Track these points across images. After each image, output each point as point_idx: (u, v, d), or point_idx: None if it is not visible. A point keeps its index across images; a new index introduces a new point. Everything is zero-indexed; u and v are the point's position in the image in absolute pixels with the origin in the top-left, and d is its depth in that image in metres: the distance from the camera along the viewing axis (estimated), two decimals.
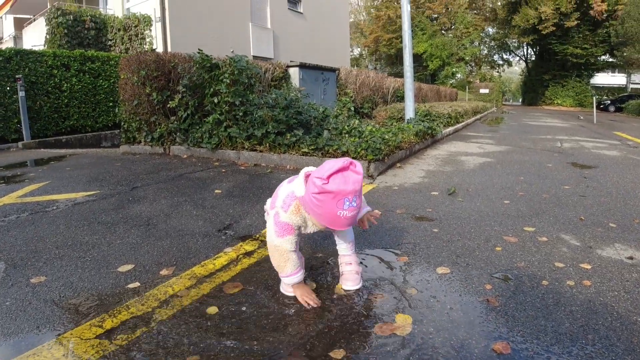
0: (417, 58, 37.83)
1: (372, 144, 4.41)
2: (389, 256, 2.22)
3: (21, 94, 8.40)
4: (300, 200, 1.64)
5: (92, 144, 9.99)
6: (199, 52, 5.62)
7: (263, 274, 2.02)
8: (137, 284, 1.93)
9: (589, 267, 2.08)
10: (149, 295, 1.81)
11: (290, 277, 1.74)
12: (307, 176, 1.62)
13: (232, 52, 16.02)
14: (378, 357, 1.37)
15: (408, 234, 2.57)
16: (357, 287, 1.86)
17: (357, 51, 54.28)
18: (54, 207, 3.32)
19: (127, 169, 4.93)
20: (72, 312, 1.72)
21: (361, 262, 2.10)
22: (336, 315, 1.63)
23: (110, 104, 10.58)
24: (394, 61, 46.27)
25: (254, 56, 17.26)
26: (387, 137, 4.91)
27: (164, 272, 2.05)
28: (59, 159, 6.12)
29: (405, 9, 6.83)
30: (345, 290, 1.84)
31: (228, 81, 5.33)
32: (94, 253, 2.33)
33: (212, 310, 1.68)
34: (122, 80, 6.34)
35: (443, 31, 43.57)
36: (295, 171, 4.26)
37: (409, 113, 7.14)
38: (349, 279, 1.87)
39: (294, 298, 1.76)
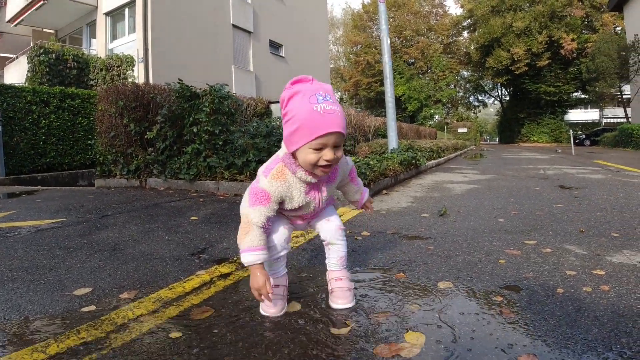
0: (396, 100, 38.71)
1: (357, 169, 4.24)
2: (384, 273, 1.99)
3: None
4: (284, 159, 1.44)
5: (68, 182, 9.63)
6: (179, 82, 5.48)
7: (240, 296, 1.76)
8: (93, 307, 1.65)
9: (602, 272, 1.89)
10: (104, 320, 1.53)
11: (244, 253, 1.42)
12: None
13: None
14: None
15: (402, 252, 2.35)
16: (349, 305, 1.60)
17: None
18: (15, 233, 3.05)
19: (99, 200, 4.64)
20: (15, 336, 1.44)
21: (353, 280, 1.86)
22: (326, 339, 1.38)
23: (89, 142, 10.32)
24: (374, 104, 47.34)
25: None
26: (371, 163, 4.76)
27: (124, 295, 1.78)
28: (31, 193, 5.80)
29: (385, 41, 6.89)
30: (335, 310, 1.59)
31: (208, 110, 5.17)
32: (50, 277, 2.04)
33: (176, 335, 1.41)
34: (100, 112, 6.13)
35: (420, 74, 45.02)
36: None
37: (392, 144, 7.06)
38: (340, 297, 1.62)
39: (278, 319, 1.51)
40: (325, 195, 1.57)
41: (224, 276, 2.02)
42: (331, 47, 50.25)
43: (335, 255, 1.68)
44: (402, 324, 1.44)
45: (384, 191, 4.80)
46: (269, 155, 4.79)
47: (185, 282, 1.94)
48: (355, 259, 2.23)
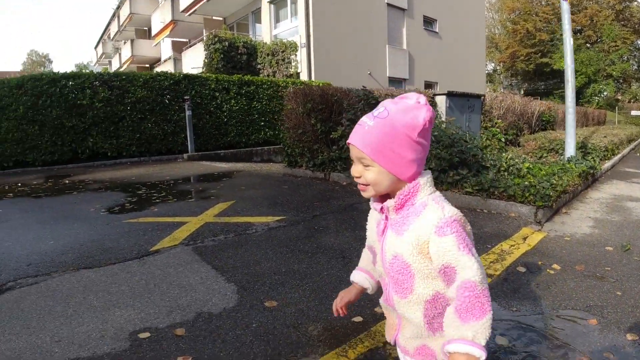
0: (559, 74, 35.03)
1: (541, 190, 4.39)
2: (580, 318, 2.33)
3: (188, 112, 9.88)
4: None
5: (244, 158, 11.22)
6: (362, 89, 6.12)
7: None
8: (360, 318, 2.31)
9: None
10: (374, 331, 2.17)
11: None
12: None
13: (369, 73, 16.68)
14: None
15: (593, 295, 2.63)
16: None
17: (490, 66, 51.79)
18: (253, 230, 3.88)
19: (296, 193, 5.57)
20: (316, 340, 2.07)
21: (553, 322, 2.26)
22: None
23: (262, 123, 11.74)
24: (532, 77, 43.23)
25: (389, 77, 17.72)
26: (554, 181, 4.83)
27: (378, 310, 2.40)
28: (229, 176, 7.08)
29: (568, 42, 6.57)
30: None
31: None
32: (309, 282, 2.74)
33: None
34: (288, 110, 7.14)
35: (588, 44, 39.62)
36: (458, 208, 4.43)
37: (570, 150, 6.81)
38: None
39: None
40: (388, 248, 1.13)
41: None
42: (485, 13, 46.78)
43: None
44: None
45: (563, 209, 4.85)
46: (450, 165, 5.16)
47: None
48: (554, 297, 2.59)
